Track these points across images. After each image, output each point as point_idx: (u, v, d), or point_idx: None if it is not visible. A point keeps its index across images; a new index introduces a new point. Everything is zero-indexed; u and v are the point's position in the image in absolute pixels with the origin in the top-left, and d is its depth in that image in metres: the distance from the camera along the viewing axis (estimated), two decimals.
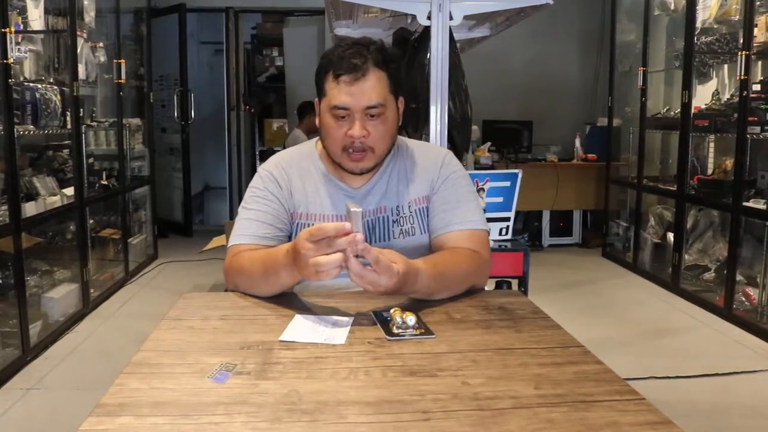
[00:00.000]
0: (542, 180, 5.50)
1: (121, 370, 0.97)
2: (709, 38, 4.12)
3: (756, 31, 3.50)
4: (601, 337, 3.44)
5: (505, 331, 1.17)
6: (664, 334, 3.58)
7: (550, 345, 1.10)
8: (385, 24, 3.20)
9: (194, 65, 6.56)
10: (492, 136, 5.59)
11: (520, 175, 2.51)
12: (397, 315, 1.17)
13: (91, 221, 4.01)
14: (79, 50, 3.70)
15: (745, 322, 3.55)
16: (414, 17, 2.40)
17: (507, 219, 2.51)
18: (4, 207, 2.87)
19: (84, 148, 3.88)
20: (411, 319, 1.16)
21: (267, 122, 7.36)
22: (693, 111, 4.17)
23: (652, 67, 4.82)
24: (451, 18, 2.30)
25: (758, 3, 3.50)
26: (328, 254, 1.13)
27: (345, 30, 3.30)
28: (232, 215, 6.48)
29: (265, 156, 6.88)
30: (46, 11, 3.35)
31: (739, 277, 3.68)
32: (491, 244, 1.63)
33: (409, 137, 1.55)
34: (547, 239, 5.89)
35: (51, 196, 3.41)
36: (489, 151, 5.30)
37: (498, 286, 2.30)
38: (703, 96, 4.34)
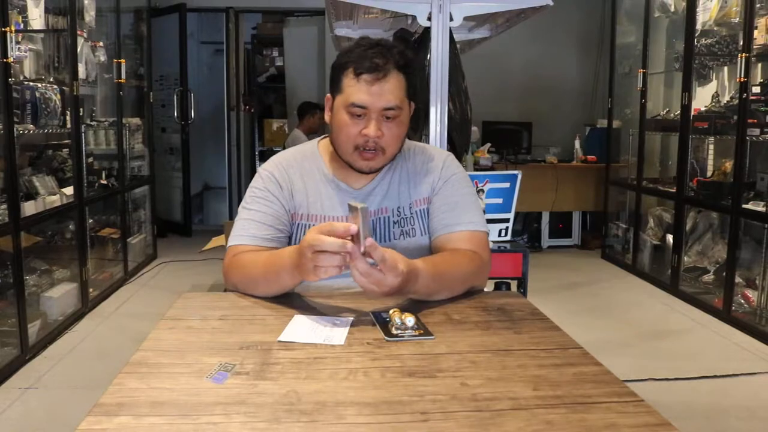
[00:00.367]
0: (542, 181, 5.50)
1: (120, 369, 0.97)
2: (709, 40, 4.12)
3: (756, 33, 3.50)
4: (600, 339, 3.44)
5: (504, 333, 1.17)
6: (663, 336, 3.58)
7: (549, 346, 1.10)
8: (385, 25, 3.20)
9: (194, 65, 6.56)
10: (492, 137, 5.58)
11: (519, 177, 2.51)
12: (396, 316, 1.17)
13: (91, 221, 4.01)
14: (79, 50, 3.70)
15: (744, 325, 3.55)
16: (414, 18, 2.41)
17: (506, 220, 2.51)
18: (4, 206, 2.87)
19: (84, 148, 3.88)
20: (410, 319, 1.16)
21: (267, 122, 7.37)
22: (693, 113, 4.16)
23: (652, 68, 4.82)
24: (451, 19, 2.30)
25: (758, 5, 3.50)
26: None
27: (345, 30, 3.31)
28: (232, 215, 6.48)
29: (264, 156, 6.90)
30: (47, 10, 3.35)
31: (738, 279, 3.68)
32: (491, 245, 1.63)
33: (409, 138, 1.54)
34: (546, 240, 5.89)
35: (50, 195, 3.40)
36: (488, 152, 5.29)
37: (497, 287, 2.30)
38: (702, 98, 4.34)
